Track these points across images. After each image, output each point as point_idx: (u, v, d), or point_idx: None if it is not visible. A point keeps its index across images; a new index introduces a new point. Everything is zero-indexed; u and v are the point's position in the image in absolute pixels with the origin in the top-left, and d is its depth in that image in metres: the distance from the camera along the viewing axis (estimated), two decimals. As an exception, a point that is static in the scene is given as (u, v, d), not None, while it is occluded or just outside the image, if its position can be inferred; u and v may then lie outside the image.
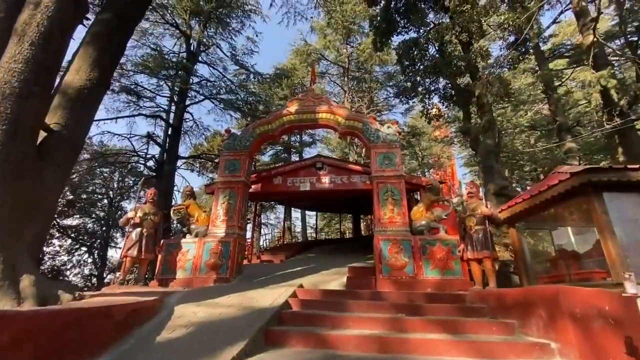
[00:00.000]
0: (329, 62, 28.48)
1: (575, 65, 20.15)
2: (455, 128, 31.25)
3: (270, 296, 5.45)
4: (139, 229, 7.03)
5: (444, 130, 31.98)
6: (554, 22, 18.57)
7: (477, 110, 12.22)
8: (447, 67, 12.34)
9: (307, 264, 9.03)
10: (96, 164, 19.82)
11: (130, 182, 23.08)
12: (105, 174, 22.99)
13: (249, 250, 11.64)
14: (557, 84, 20.19)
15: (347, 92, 26.72)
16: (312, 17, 21.89)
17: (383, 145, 8.03)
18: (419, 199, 10.15)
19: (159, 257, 7.55)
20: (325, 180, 9.67)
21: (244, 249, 8.02)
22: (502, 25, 10.82)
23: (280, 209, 28.47)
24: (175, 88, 18.42)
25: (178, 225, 8.15)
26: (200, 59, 20.29)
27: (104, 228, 22.28)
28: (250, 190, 9.88)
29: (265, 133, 8.69)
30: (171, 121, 17.86)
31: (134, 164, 20.78)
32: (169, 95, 18.25)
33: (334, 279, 7.06)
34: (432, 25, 12.79)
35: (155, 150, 20.60)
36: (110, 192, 23.35)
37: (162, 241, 7.78)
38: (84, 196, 21.86)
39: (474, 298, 5.51)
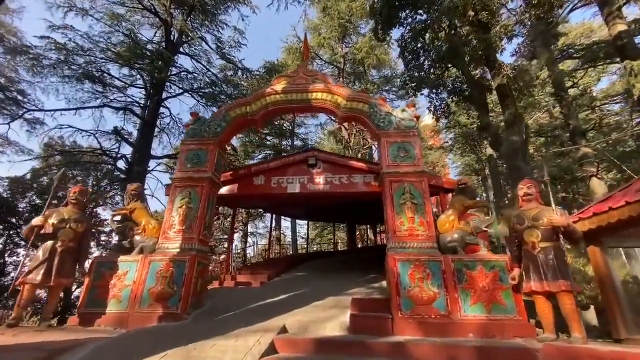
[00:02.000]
0: (323, 62, 26.82)
1: (589, 66, 18.83)
2: (455, 134, 29.76)
3: (233, 355, 3.33)
4: (50, 243, 4.86)
5: (437, 139, 30.85)
6: (571, 10, 17.04)
7: (501, 103, 10.43)
8: (460, 56, 10.58)
9: (294, 289, 6.89)
10: (64, 166, 17.42)
11: (110, 187, 20.68)
12: (79, 178, 20.60)
13: (224, 269, 9.45)
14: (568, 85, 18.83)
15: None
16: (305, 1, 20.03)
17: (397, 133, 6.06)
18: (435, 208, 8.18)
19: (85, 282, 5.36)
20: (320, 181, 7.64)
21: (206, 271, 5.86)
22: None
23: (275, 219, 26.22)
24: (152, 80, 16.33)
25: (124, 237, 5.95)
26: (182, 50, 18.31)
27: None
28: (223, 192, 7.77)
29: (243, 117, 6.65)
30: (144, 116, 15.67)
31: (102, 164, 18.41)
32: (142, 85, 16.10)
33: (331, 317, 4.95)
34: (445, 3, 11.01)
35: (128, 150, 18.37)
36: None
37: (92, 259, 5.59)
38: (55, 202, 19.30)
39: (555, 358, 3.47)
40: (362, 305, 5.06)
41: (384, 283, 7.58)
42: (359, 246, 25.41)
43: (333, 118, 25.34)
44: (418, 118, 6.28)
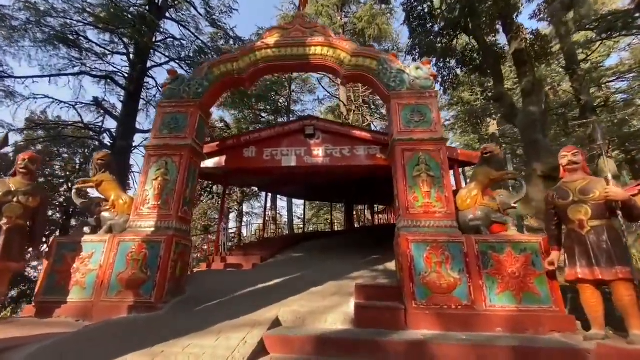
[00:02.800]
0: (321, 33, 25.20)
1: (604, 37, 17.68)
2: (458, 111, 28.75)
3: (211, 356, 2.59)
4: (-7, 220, 4.00)
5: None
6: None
7: (517, 70, 9.48)
8: (476, 15, 9.47)
9: (290, 272, 6.17)
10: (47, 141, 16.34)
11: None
12: (65, 155, 19.51)
13: (215, 250, 8.71)
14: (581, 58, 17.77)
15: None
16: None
17: (410, 94, 5.15)
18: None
19: (44, 266, 4.55)
20: (319, 153, 6.77)
21: (187, 253, 5.06)
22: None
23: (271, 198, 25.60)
24: (135, 46, 14.95)
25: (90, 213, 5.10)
26: (167, 15, 16.79)
27: (64, 217, 18.81)
28: (208, 165, 6.88)
29: (229, 75, 5.67)
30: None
31: (86, 140, 17.30)
32: (124, 52, 14.75)
33: (332, 306, 4.22)
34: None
35: (113, 124, 17.18)
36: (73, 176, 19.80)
37: (52, 239, 4.76)
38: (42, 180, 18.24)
39: (613, 362, 2.77)
40: (368, 292, 4.33)
41: (388, 265, 6.89)
42: (357, 226, 24.92)
43: (334, 78, 24.11)
44: (435, 77, 5.35)
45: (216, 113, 23.38)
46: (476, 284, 3.96)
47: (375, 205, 29.65)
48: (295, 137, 6.94)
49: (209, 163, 6.86)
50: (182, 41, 16.16)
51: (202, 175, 8.25)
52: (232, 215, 26.90)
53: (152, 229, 4.68)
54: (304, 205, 21.69)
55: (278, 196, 23.38)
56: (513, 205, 4.47)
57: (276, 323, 3.71)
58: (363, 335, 3.40)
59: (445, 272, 4.04)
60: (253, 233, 11.02)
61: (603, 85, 22.59)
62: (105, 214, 4.99)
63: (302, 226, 21.86)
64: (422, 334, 3.48)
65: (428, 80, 5.20)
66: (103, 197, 5.14)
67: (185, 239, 4.97)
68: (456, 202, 4.62)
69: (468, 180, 5.09)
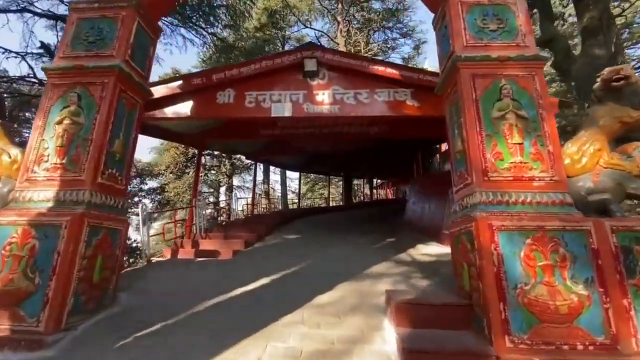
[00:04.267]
0: (317, -16, 22.21)
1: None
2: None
3: None
4: None
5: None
6: None
7: (576, 3, 7.39)
8: None
9: (282, 264, 4.38)
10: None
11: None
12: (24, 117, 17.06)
13: (186, 231, 6.81)
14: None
15: (342, 23, 21.03)
16: None
17: (480, -13, 3.13)
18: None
19: None
20: (324, 98, 4.77)
21: (117, 243, 3.16)
22: None
23: (263, 170, 23.65)
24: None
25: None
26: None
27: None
28: (167, 114, 4.88)
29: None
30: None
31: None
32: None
33: (356, 340, 2.44)
34: None
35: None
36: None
37: None
38: None
39: None
40: (416, 313, 2.54)
41: (413, 253, 5.17)
42: (355, 202, 23.30)
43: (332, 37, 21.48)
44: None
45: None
46: (618, 306, 2.20)
47: (375, 180, 28.00)
48: (290, 75, 4.88)
49: (167, 112, 4.85)
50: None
51: (161, 131, 6.21)
52: (223, 190, 25.05)
53: (50, 204, 2.76)
54: (299, 179, 19.81)
55: (271, 168, 21.42)
56: (665, 167, 2.63)
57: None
58: None
59: (562, 283, 2.26)
60: (240, 209, 9.20)
61: None
62: (-22, 179, 3.03)
63: (296, 201, 20.11)
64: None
65: (508, -35, 3.16)
66: (-23, 151, 3.15)
67: (111, 219, 3.05)
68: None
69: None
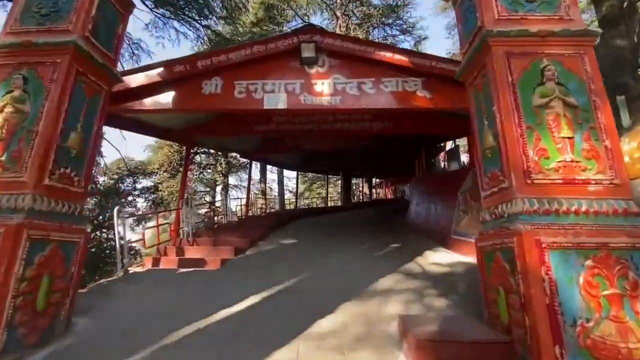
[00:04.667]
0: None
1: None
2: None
3: None
4: None
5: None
6: None
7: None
8: None
9: (276, 278, 3.83)
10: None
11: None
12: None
13: (172, 236, 6.20)
14: None
15: (341, 18, 20.46)
16: None
17: (512, -51, 2.58)
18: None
19: None
20: (323, 88, 4.21)
21: (72, 258, 2.60)
22: None
23: (260, 169, 23.04)
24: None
25: None
26: None
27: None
28: (146, 105, 4.33)
29: None
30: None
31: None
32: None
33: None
34: None
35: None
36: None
37: None
38: None
39: None
40: (443, 355, 1.99)
41: (423, 263, 4.64)
42: (354, 202, 22.77)
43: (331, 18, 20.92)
44: None
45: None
46: None
47: (373, 179, 27.50)
48: (286, 62, 4.31)
49: (147, 103, 4.28)
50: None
51: (143, 126, 5.63)
52: (219, 189, 24.45)
53: (-23, 211, 2.20)
54: (297, 178, 19.26)
55: (268, 167, 20.85)
56: None
57: None
58: None
59: (634, 319, 1.73)
60: (234, 210, 8.63)
61: None
62: None
63: (294, 200, 19.53)
64: None
65: None
66: None
67: (65, 231, 2.50)
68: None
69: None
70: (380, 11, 22.31)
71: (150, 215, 18.14)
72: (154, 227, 6.69)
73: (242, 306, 3.03)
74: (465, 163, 8.56)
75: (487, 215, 2.41)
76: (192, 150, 20.33)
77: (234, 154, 19.03)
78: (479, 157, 2.60)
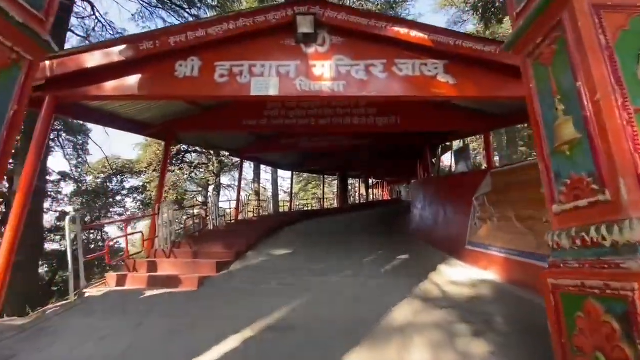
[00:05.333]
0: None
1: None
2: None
3: None
4: None
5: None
6: None
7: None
8: None
9: (260, 311, 3.04)
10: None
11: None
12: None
13: (146, 246, 5.34)
14: None
15: None
16: None
17: None
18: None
19: None
20: (323, 71, 3.45)
21: None
22: None
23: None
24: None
25: None
26: None
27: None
28: (102, 91, 3.53)
29: None
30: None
31: None
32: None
33: None
34: None
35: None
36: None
37: None
38: None
39: None
40: None
41: (438, 280, 3.91)
42: (351, 203, 22.02)
43: None
44: None
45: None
46: None
47: (370, 179, 26.83)
48: (278, 40, 3.52)
49: (107, 87, 3.47)
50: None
51: (103, 116, 4.81)
52: (212, 189, 23.56)
53: None
54: (292, 178, 18.46)
55: (262, 166, 20.03)
56: None
57: None
58: None
59: None
60: (222, 215, 7.78)
61: None
62: None
63: (288, 200, 18.68)
64: None
65: None
66: None
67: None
68: None
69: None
70: (378, 7, 21.66)
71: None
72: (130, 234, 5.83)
73: (214, 355, 2.25)
74: (470, 165, 7.85)
75: (565, 239, 1.67)
76: (182, 149, 19.49)
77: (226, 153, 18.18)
78: (545, 156, 1.86)
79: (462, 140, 8.61)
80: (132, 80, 3.56)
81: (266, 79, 3.46)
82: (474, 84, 3.38)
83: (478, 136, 11.51)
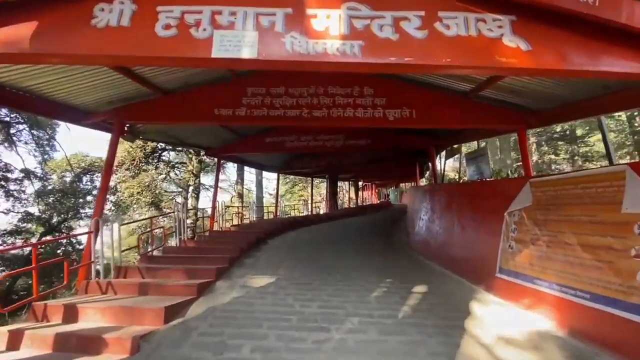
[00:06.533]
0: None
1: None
2: None
3: None
4: None
5: None
6: None
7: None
8: None
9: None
10: None
11: None
12: None
13: (79, 276, 3.79)
14: None
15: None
16: None
17: None
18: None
19: None
20: (330, 26, 2.23)
21: None
22: None
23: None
24: None
25: None
26: None
27: None
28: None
29: None
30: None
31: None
32: None
33: None
34: None
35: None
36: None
37: None
38: None
39: None
40: None
41: (477, 331, 2.75)
42: (342, 209, 20.81)
43: None
44: None
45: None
46: None
47: (360, 182, 25.74)
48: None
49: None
50: None
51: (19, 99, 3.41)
52: (191, 190, 21.88)
53: None
54: (277, 180, 17.08)
55: (245, 167, 18.56)
56: None
57: None
58: None
59: None
60: (191, 224, 6.34)
61: None
62: None
63: (274, 204, 17.24)
64: None
65: None
66: None
67: None
68: None
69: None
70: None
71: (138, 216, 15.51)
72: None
73: None
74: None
75: None
76: (159, 147, 17.75)
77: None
78: None
79: (477, 142, 7.60)
80: (23, 31, 2.21)
81: (237, 33, 2.18)
82: (556, 52, 2.21)
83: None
